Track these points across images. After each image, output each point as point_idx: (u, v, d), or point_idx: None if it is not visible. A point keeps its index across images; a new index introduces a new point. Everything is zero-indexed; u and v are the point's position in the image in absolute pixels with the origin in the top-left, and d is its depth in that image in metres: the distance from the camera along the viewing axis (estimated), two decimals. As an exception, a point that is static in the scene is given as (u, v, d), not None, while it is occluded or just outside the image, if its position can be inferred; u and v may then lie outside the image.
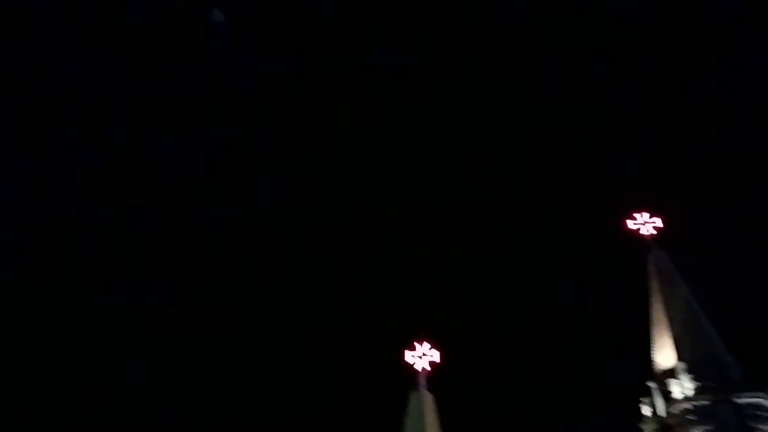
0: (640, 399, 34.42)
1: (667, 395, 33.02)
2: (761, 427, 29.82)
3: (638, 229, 40.47)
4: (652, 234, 40.14)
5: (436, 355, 44.12)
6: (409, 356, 44.23)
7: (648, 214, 40.55)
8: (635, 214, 40.74)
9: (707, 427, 30.43)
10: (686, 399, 31.79)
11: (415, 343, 44.67)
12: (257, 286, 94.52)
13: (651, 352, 36.26)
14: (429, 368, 43.77)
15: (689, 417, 31.18)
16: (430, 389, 43.18)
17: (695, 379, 32.41)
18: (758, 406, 30.45)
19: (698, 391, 31.83)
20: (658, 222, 40.37)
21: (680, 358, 33.98)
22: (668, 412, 32.47)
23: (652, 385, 34.19)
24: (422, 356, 43.99)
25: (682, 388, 32.45)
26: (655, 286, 38.29)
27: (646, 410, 33.95)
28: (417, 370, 43.66)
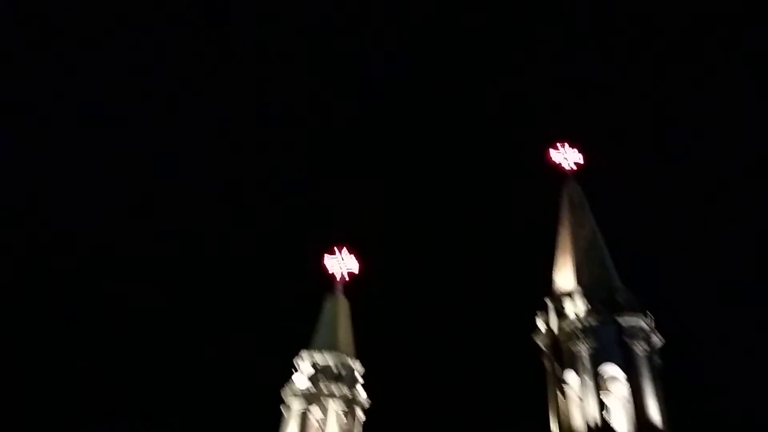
0: (537, 314, 37.05)
1: (561, 313, 35.64)
2: (636, 343, 32.96)
3: (559, 161, 42.46)
4: (571, 167, 42.20)
5: (354, 263, 45.40)
6: (328, 262, 45.32)
7: (570, 147, 42.51)
8: (559, 145, 42.61)
9: (591, 343, 33.27)
10: (577, 318, 34.31)
11: (335, 249, 45.74)
12: (183, 200, 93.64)
13: (553, 273, 38.79)
14: (346, 275, 45.11)
15: (577, 334, 33.84)
16: (346, 295, 44.70)
17: (588, 301, 35.02)
18: (637, 327, 33.47)
19: (588, 312, 34.41)
20: (578, 156, 42.46)
21: (578, 281, 36.47)
22: (560, 328, 35.11)
23: (549, 302, 36.83)
24: (341, 263, 45.17)
25: (575, 308, 35.04)
26: (565, 215, 40.45)
27: (540, 324, 36.65)
28: (334, 276, 44.92)
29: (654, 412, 30.75)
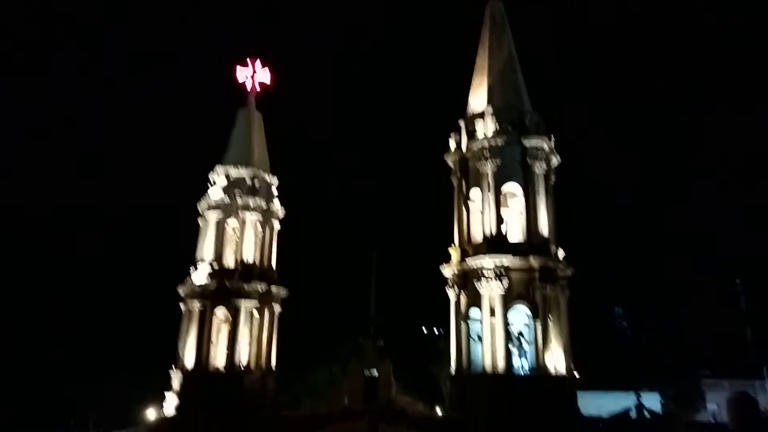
0: (450, 134, 38.28)
1: (472, 134, 36.99)
2: (537, 163, 35.50)
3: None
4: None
5: (266, 75, 43.35)
6: (239, 74, 42.94)
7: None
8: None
9: (495, 161, 35.30)
10: (485, 138, 35.78)
11: (247, 60, 43.15)
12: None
13: (468, 95, 39.26)
14: (259, 88, 43.26)
15: (484, 153, 35.56)
16: (259, 108, 43.33)
17: (497, 122, 36.25)
18: (539, 148, 35.62)
19: (496, 133, 35.95)
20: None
21: (489, 102, 37.28)
22: (468, 148, 36.75)
23: (461, 123, 37.91)
24: (253, 74, 42.96)
25: (485, 129, 36.37)
26: (485, 34, 39.77)
27: (452, 144, 38.16)
28: (246, 88, 42.97)
29: (543, 224, 34.58)
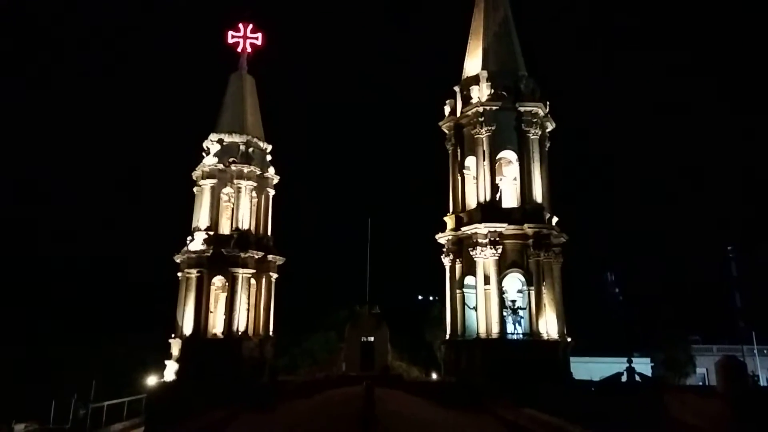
0: (446, 102, 37.93)
1: (467, 99, 36.64)
2: (532, 129, 35.31)
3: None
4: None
5: (258, 37, 42.68)
6: (231, 37, 42.24)
7: None
8: None
9: (490, 127, 35.00)
10: (479, 103, 35.39)
11: (239, 24, 42.40)
12: None
13: (464, 61, 38.74)
14: (250, 50, 42.62)
15: (478, 119, 35.25)
16: (251, 72, 42.75)
17: (492, 87, 35.88)
18: (534, 114, 35.40)
19: (491, 98, 35.57)
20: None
21: (484, 67, 36.82)
22: (462, 113, 36.48)
23: (456, 88, 37.51)
24: (245, 38, 42.28)
25: (479, 93, 35.97)
26: (481, -6, 39.05)
27: (447, 110, 37.84)
28: (239, 52, 42.32)
29: (538, 191, 34.59)
